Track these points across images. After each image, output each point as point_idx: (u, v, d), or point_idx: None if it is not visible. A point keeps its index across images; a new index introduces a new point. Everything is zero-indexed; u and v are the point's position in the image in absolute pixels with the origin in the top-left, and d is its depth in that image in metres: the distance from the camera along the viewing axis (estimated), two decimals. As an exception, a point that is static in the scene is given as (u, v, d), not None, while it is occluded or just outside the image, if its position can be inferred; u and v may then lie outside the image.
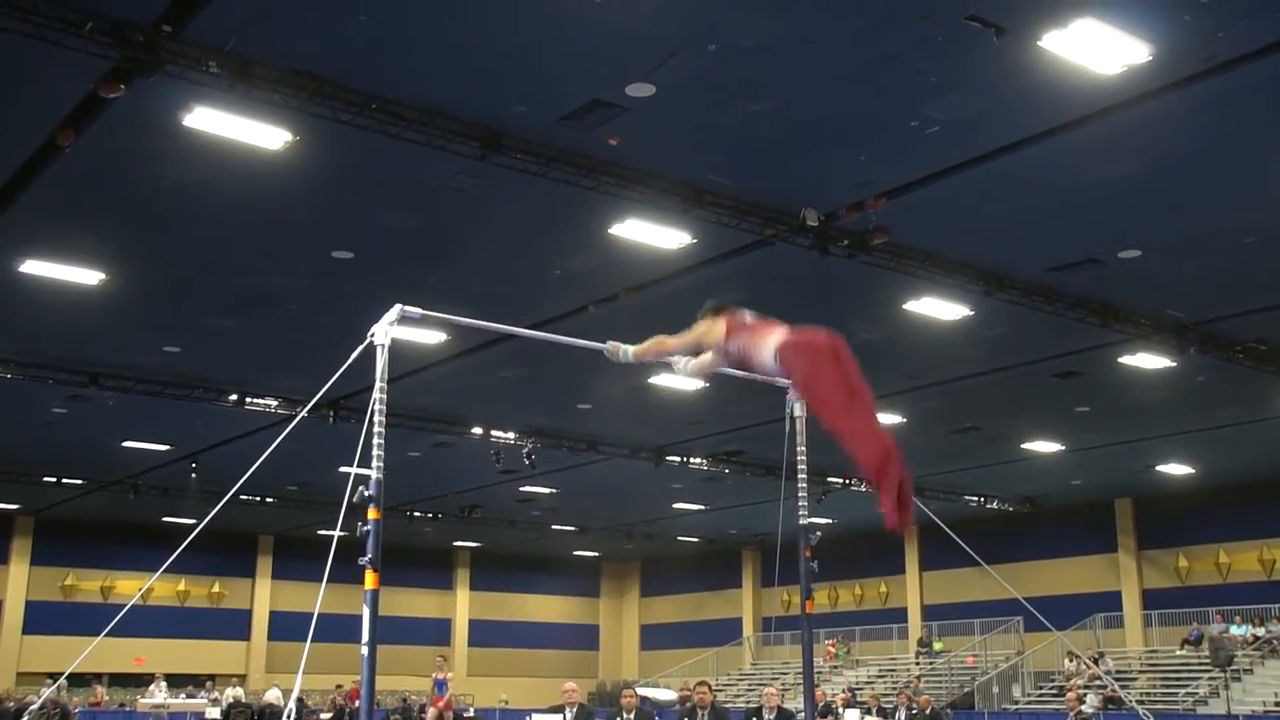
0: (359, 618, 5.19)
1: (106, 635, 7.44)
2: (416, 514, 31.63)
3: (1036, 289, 14.87)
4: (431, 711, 21.85)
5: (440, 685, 21.61)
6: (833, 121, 10.81)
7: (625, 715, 13.80)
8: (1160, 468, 26.08)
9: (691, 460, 24.94)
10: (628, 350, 6.42)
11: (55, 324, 16.21)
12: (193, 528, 7.01)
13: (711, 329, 6.06)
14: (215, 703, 27.97)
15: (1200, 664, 25.73)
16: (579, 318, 15.23)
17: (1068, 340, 16.67)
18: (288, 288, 14.85)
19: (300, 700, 25.18)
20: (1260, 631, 26.42)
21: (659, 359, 6.38)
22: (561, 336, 7.16)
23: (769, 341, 5.86)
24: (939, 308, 15.48)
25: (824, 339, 5.71)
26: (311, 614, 5.83)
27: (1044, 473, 26.59)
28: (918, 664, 32.10)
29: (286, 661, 35.89)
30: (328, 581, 5.92)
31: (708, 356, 6.22)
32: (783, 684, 28.36)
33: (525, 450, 22.82)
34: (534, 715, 14.24)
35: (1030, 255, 13.97)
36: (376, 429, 5.73)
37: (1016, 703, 28.10)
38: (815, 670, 8.27)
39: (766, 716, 14.73)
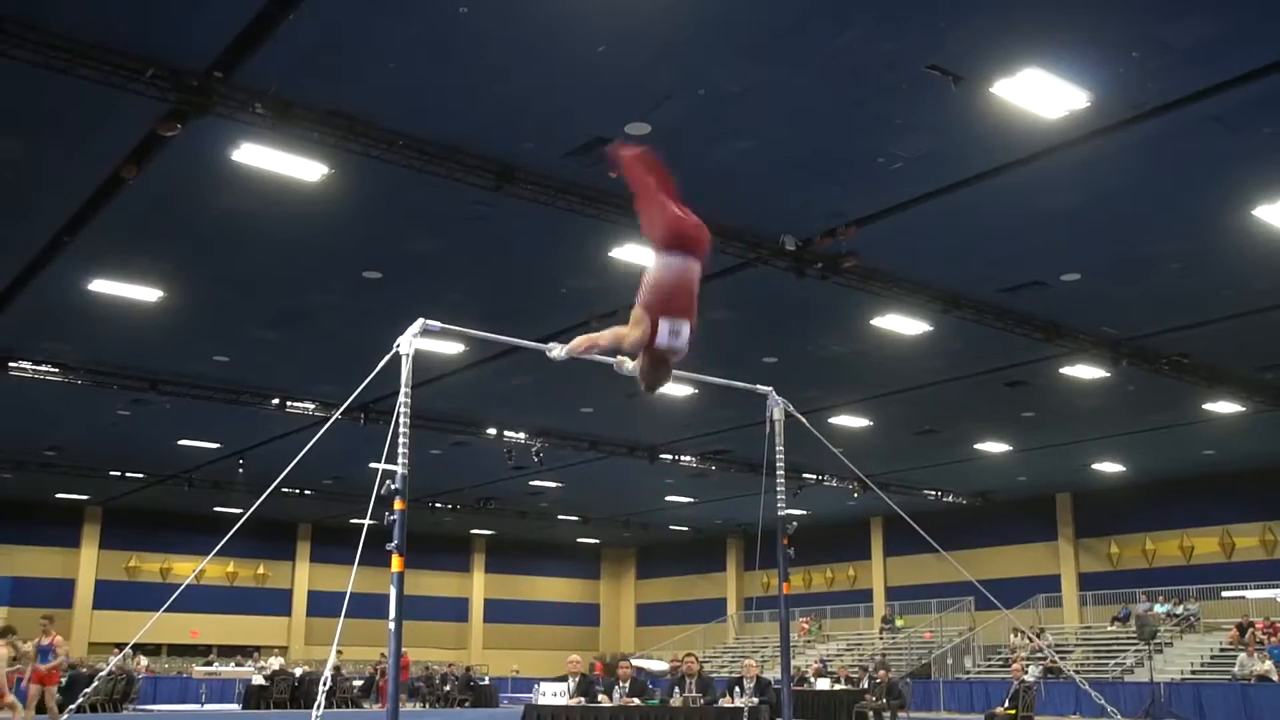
0: (386, 596, 5.17)
1: (165, 610, 7.43)
2: (437, 505, 31.47)
3: (988, 308, 14.83)
4: (33, 689, 14.22)
5: (45, 653, 14.37)
6: (809, 158, 10.76)
7: (622, 684, 13.75)
8: (1096, 466, 26.04)
9: (682, 458, 24.83)
10: (562, 349, 5.82)
11: (119, 336, 16.13)
12: (240, 516, 6.96)
13: (637, 325, 5.05)
14: (261, 670, 27.78)
15: (1128, 638, 25.66)
16: (583, 331, 15.12)
17: (1015, 353, 16.63)
18: (324, 304, 14.78)
19: (336, 669, 24.92)
20: (1179, 610, 26.51)
21: (589, 354, 5.48)
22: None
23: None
24: (902, 324, 15.42)
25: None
26: (345, 593, 5.80)
27: (994, 470, 26.51)
28: (881, 639, 32.03)
29: (323, 635, 35.77)
30: (359, 564, 5.87)
31: (641, 359, 5.21)
32: (762, 656, 28.26)
33: (534, 449, 22.76)
34: (542, 683, 14.07)
35: (983, 278, 13.94)
36: (402, 429, 5.69)
37: (968, 672, 28.05)
38: (790, 644, 8.22)
39: (747, 685, 14.68)
